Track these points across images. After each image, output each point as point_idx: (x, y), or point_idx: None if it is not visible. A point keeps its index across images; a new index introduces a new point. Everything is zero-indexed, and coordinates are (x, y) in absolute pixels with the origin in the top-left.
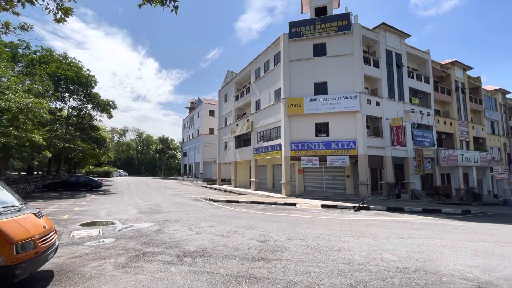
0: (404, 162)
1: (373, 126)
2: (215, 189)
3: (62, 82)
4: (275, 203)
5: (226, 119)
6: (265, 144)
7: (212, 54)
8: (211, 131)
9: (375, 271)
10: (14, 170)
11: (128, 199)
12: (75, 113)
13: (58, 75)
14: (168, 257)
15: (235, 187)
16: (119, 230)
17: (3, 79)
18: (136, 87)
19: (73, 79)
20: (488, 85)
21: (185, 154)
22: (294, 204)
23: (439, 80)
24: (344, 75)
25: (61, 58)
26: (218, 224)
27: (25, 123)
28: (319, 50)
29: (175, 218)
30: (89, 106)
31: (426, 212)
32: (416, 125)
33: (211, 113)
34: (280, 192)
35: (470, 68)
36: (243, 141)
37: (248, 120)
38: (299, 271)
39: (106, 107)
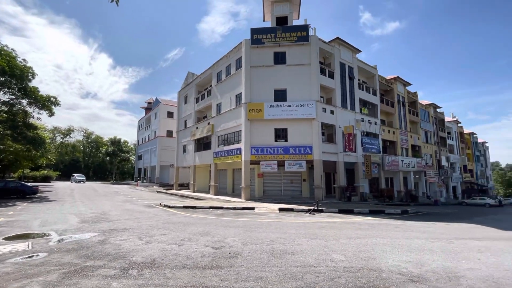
0: (354, 167)
1: (328, 133)
2: (172, 194)
3: None
4: (234, 208)
5: (185, 121)
6: (226, 148)
7: (173, 53)
8: (169, 133)
9: (324, 272)
10: None
11: (70, 207)
12: (6, 109)
13: None
14: (111, 271)
15: (194, 192)
16: (54, 243)
17: None
18: (85, 83)
19: (4, 70)
20: (423, 100)
21: (139, 157)
22: (253, 208)
23: (385, 93)
24: (302, 84)
25: None
26: (172, 231)
27: None
28: (279, 58)
29: (123, 227)
30: (24, 101)
31: (372, 213)
32: (365, 133)
33: (170, 114)
34: (239, 196)
35: (409, 84)
36: (203, 144)
37: (208, 123)
38: (252, 277)
39: (46, 103)
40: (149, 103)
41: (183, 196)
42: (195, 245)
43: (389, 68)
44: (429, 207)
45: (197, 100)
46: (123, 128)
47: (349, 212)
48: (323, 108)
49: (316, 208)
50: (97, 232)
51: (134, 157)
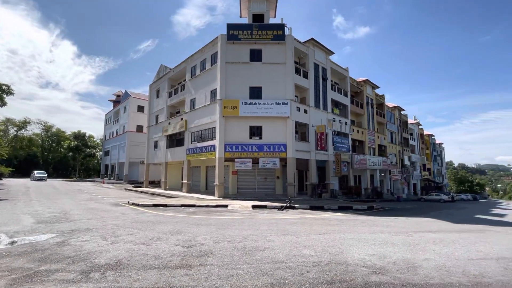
0: (325, 165)
1: (301, 131)
2: (142, 192)
3: None
4: (207, 206)
5: (157, 116)
6: (199, 144)
7: (145, 45)
8: (140, 128)
9: (294, 267)
10: None
11: (24, 207)
12: None
13: None
14: (69, 274)
15: (165, 189)
16: (3, 246)
17: None
18: (45, 72)
19: None
20: (389, 102)
21: (106, 153)
22: (226, 206)
23: (355, 95)
24: (277, 82)
25: None
26: (140, 231)
27: None
28: (256, 56)
29: (86, 227)
30: None
31: (341, 209)
32: (336, 133)
33: (140, 108)
34: (213, 194)
35: (378, 87)
36: (175, 140)
37: (182, 119)
38: (223, 275)
39: None
40: (118, 96)
41: (153, 194)
42: (165, 244)
43: (359, 71)
44: (393, 203)
45: (170, 95)
46: (88, 122)
47: (320, 208)
48: (297, 107)
49: (288, 205)
50: (55, 233)
51: (101, 153)
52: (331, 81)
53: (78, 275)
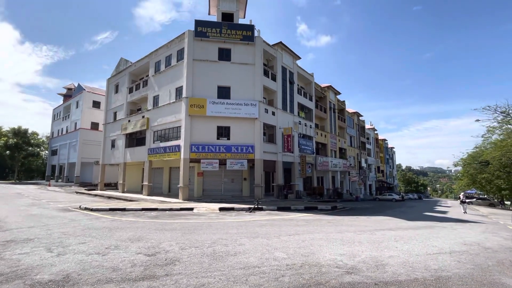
0: (291, 166)
1: (269, 133)
2: (96, 195)
3: None
4: (171, 209)
5: (115, 113)
6: (163, 144)
7: (103, 36)
8: (94, 125)
9: (268, 272)
10: None
11: None
12: None
13: None
14: None
15: (123, 192)
16: None
17: None
18: None
19: None
20: (349, 108)
21: (54, 152)
22: (192, 209)
23: (319, 99)
24: (246, 83)
25: None
26: (94, 239)
27: None
28: (224, 55)
29: (25, 237)
30: None
31: (307, 209)
32: (301, 135)
33: (96, 104)
34: (177, 196)
35: (340, 93)
36: (136, 139)
37: (143, 117)
38: (192, 284)
39: None
40: (70, 89)
41: (109, 197)
42: (124, 253)
43: (321, 78)
44: (352, 203)
45: (130, 90)
46: (33, 117)
47: (287, 209)
48: (265, 109)
49: (256, 206)
50: None
51: (46, 152)
52: (298, 85)
53: None
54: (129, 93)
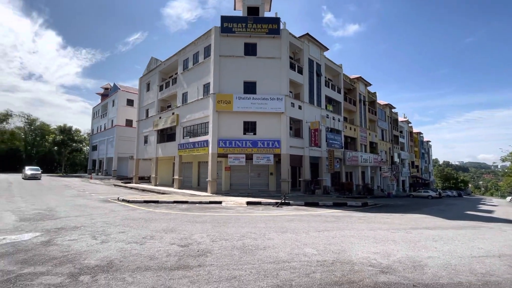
0: (318, 161)
1: (295, 127)
2: (131, 188)
3: None
4: (200, 202)
5: (147, 110)
6: (192, 140)
7: (134, 37)
8: (129, 122)
9: (298, 267)
10: None
11: (6, 203)
12: None
13: None
14: (56, 278)
15: (156, 185)
16: None
17: None
18: (28, 63)
19: None
20: (380, 100)
21: (94, 148)
22: (220, 202)
23: (348, 92)
24: (272, 77)
25: None
26: (132, 229)
27: None
28: (250, 50)
29: (74, 225)
30: None
31: (335, 205)
32: (329, 129)
33: (130, 102)
34: (205, 190)
35: (370, 84)
36: (166, 135)
37: (173, 113)
38: (224, 276)
39: None
40: (106, 89)
41: (143, 190)
42: (159, 243)
43: (349, 69)
44: (384, 200)
45: (160, 88)
46: (75, 116)
47: (315, 205)
48: (291, 103)
49: (283, 201)
50: (40, 231)
51: (88, 147)
52: (325, 77)
53: (65, 278)
54: (160, 90)
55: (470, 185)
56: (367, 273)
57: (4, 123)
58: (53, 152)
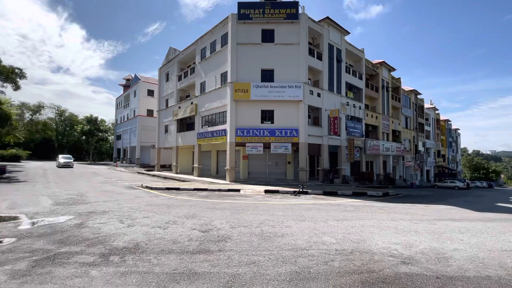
0: (338, 150)
1: (314, 116)
2: (154, 175)
3: None
4: (219, 190)
5: (167, 100)
6: (210, 129)
7: (153, 28)
8: (150, 112)
9: (317, 255)
10: None
11: (43, 188)
12: None
13: None
14: (89, 257)
15: (176, 173)
16: (24, 227)
17: None
18: (56, 57)
19: None
20: (405, 86)
21: (118, 137)
22: (238, 190)
23: (370, 78)
24: (290, 64)
25: None
26: (155, 214)
27: None
28: (268, 36)
29: (102, 209)
30: None
31: (355, 195)
32: (349, 117)
33: (150, 92)
34: (224, 178)
35: (394, 69)
36: (186, 125)
37: (192, 103)
38: (244, 261)
39: (10, 75)
40: (128, 80)
41: (165, 178)
42: (181, 228)
43: (371, 53)
44: (407, 190)
45: (179, 78)
46: (100, 107)
47: (333, 194)
48: (310, 90)
49: (301, 190)
50: (73, 215)
51: (113, 137)
52: (346, 63)
53: (97, 258)
54: (178, 80)
55: (502, 175)
56: (387, 263)
57: (38, 114)
58: (82, 141)
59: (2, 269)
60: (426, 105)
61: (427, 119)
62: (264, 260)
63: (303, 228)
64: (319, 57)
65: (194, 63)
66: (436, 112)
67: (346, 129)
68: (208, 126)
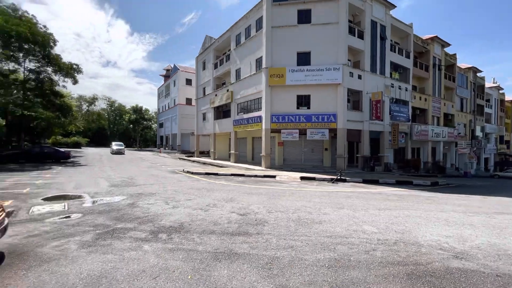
0: (380, 136)
1: (354, 99)
2: (193, 161)
3: (13, 40)
4: (255, 176)
5: (204, 88)
6: (245, 116)
7: (189, 18)
8: (189, 101)
9: (357, 243)
10: None
11: (99, 171)
12: (33, 77)
13: (7, 30)
14: (141, 234)
15: (214, 159)
16: (87, 205)
17: None
18: (105, 52)
19: (27, 37)
20: (462, 63)
21: (161, 125)
22: (274, 177)
23: (419, 55)
24: (328, 46)
25: (10, 11)
26: (197, 197)
27: None
28: (304, 17)
29: (150, 191)
30: (49, 69)
31: (399, 184)
32: (394, 100)
33: (188, 82)
34: (259, 164)
35: (449, 44)
36: (222, 112)
37: (227, 91)
38: (282, 245)
39: (69, 71)
40: (168, 70)
41: (204, 163)
42: (221, 211)
43: (421, 27)
44: (459, 179)
45: (215, 66)
46: (143, 97)
47: (374, 182)
48: (350, 72)
49: (339, 177)
50: (125, 195)
51: (156, 125)
52: (391, 40)
53: (148, 234)
54: (214, 68)
55: None
56: (436, 256)
57: (93, 105)
58: (129, 129)
59: (73, 239)
60: (488, 84)
61: (488, 100)
62: (301, 245)
63: (341, 215)
64: (360, 36)
65: (229, 50)
66: (501, 91)
67: (390, 113)
68: (244, 113)
